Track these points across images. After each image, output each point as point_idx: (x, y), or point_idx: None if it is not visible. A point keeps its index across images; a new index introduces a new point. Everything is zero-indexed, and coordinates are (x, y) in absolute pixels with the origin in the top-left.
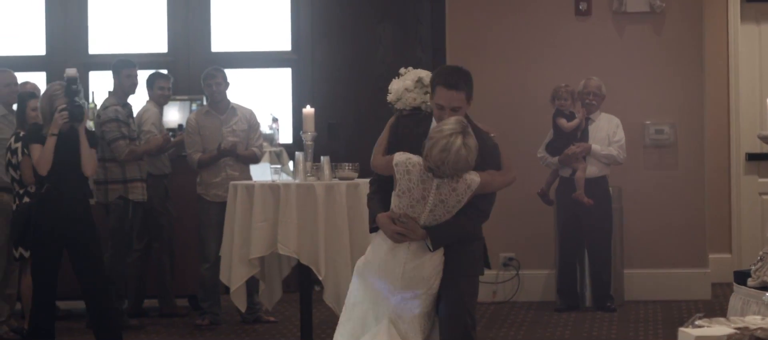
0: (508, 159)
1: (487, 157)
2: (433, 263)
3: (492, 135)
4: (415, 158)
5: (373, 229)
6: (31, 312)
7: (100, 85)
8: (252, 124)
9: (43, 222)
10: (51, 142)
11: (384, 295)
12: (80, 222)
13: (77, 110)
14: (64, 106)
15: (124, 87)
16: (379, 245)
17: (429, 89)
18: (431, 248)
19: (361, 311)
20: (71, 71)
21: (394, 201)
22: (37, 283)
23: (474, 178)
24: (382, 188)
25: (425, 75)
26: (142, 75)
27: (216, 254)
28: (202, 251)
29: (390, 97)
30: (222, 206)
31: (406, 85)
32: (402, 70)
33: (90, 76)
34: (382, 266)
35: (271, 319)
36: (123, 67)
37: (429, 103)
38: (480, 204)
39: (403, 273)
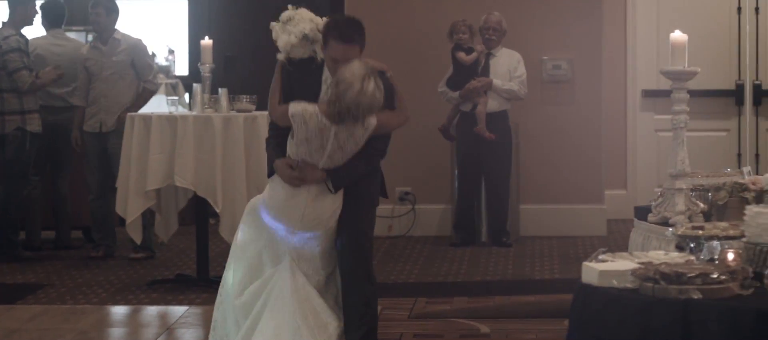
0: (402, 98)
1: (385, 98)
2: (332, 205)
3: (388, 74)
4: (312, 108)
5: (271, 173)
6: None
7: None
8: (136, 55)
9: None
10: None
11: (281, 235)
12: None
13: None
14: None
15: (24, 17)
16: (277, 189)
17: (316, 42)
18: (332, 190)
19: (255, 250)
20: None
21: (291, 149)
22: None
23: (371, 120)
24: (280, 133)
25: (309, 30)
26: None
27: (99, 185)
28: (88, 183)
29: (279, 48)
30: (97, 136)
31: (292, 41)
32: (283, 15)
33: None
34: (281, 209)
35: (139, 255)
36: None
37: (318, 54)
38: (377, 144)
39: (303, 216)
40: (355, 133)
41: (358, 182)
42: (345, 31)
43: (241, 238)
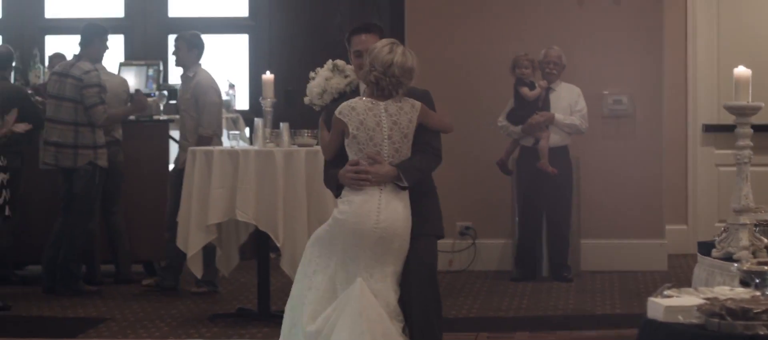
0: (445, 113)
1: (422, 100)
2: (404, 210)
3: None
4: (354, 98)
5: (339, 194)
6: None
7: (56, 50)
8: (196, 94)
9: None
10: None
11: (354, 254)
12: None
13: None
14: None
15: (99, 52)
16: (349, 198)
17: (347, 72)
18: (405, 183)
19: (325, 279)
20: None
21: (351, 148)
22: None
23: (415, 102)
24: (336, 165)
25: (338, 61)
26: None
27: (170, 218)
28: None
29: (314, 93)
30: (175, 171)
31: (325, 75)
32: (311, 74)
33: (46, 40)
34: (355, 220)
35: (202, 289)
36: (103, 33)
37: (353, 83)
38: (431, 141)
39: (377, 222)
40: (403, 108)
41: (423, 211)
42: (361, 24)
43: (310, 267)
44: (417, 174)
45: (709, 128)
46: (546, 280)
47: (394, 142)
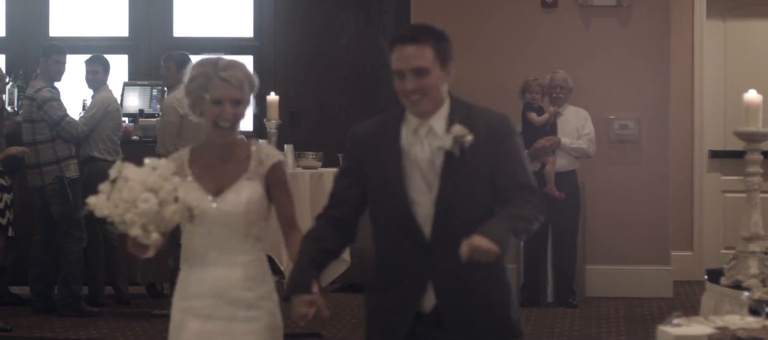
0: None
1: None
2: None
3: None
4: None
5: None
6: None
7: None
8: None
9: None
10: None
11: None
12: None
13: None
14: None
15: (51, 72)
16: None
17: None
18: None
19: None
20: None
21: None
22: None
23: None
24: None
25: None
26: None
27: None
28: None
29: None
30: None
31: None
32: None
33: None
34: None
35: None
36: (52, 52)
37: None
38: None
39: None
40: None
41: None
42: (406, 30)
43: None
44: None
45: (715, 154)
46: (551, 306)
47: None
